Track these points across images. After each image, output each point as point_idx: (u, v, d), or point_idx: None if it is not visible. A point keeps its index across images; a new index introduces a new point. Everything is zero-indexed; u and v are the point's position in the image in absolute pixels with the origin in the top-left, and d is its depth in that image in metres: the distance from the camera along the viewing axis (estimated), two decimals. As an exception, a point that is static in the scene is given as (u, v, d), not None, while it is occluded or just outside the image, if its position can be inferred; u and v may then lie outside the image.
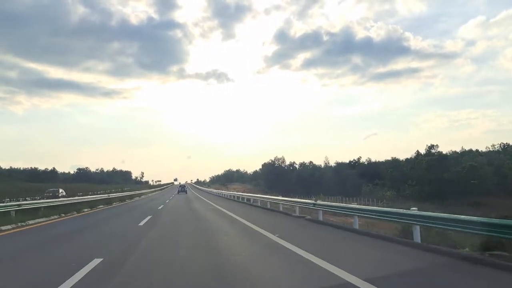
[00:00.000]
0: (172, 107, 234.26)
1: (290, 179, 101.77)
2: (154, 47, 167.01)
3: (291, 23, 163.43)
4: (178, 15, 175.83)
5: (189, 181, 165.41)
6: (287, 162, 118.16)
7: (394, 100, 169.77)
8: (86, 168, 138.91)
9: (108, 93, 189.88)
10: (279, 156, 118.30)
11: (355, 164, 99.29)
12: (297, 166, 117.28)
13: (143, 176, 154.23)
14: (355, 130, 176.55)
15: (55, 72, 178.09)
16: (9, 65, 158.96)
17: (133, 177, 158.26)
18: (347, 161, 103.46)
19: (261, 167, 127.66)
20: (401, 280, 4.96)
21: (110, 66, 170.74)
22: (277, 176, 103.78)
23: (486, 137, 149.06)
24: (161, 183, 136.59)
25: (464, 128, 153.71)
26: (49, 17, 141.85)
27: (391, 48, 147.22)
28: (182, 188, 62.45)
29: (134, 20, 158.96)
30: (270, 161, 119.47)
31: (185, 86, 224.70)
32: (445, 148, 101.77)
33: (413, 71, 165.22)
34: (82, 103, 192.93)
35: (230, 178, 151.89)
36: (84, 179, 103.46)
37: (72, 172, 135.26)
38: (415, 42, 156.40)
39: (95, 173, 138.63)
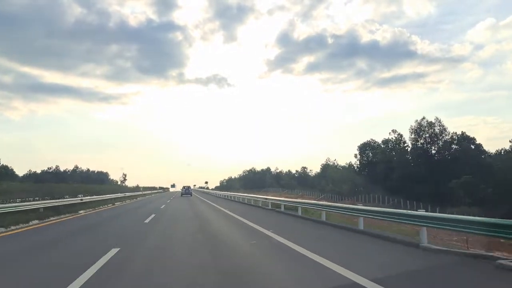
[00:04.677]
0: (171, 112, 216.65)
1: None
2: (153, 50, 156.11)
3: (295, 24, 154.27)
4: (178, 16, 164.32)
5: (192, 187, 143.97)
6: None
7: (398, 105, 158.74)
8: None
9: (106, 98, 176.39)
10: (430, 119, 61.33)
11: None
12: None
13: (125, 179, 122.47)
14: (359, 136, 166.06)
15: (51, 77, 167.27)
16: (4, 69, 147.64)
17: (115, 180, 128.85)
18: None
19: (357, 153, 79.23)
20: None
21: (108, 70, 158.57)
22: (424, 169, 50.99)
23: (487, 144, 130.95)
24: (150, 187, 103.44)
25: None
26: (44, 19, 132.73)
27: (397, 52, 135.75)
28: (186, 191, 56.59)
29: (132, 21, 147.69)
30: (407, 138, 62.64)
31: (185, 91, 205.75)
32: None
33: (419, 76, 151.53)
34: (79, 108, 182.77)
35: (256, 181, 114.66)
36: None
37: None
38: (422, 45, 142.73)
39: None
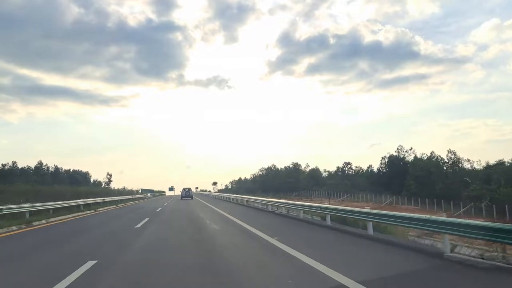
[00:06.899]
0: (171, 114, 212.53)
1: None
2: (153, 51, 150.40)
3: (296, 24, 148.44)
4: (177, 16, 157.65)
5: (194, 190, 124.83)
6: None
7: (400, 107, 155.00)
8: None
9: (105, 101, 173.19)
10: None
11: None
12: None
13: (110, 180, 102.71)
14: (359, 138, 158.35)
15: (50, 79, 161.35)
16: (2, 71, 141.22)
17: (98, 181, 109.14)
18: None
19: None
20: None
21: (107, 72, 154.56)
22: None
23: (486, 147, 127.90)
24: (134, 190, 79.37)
25: (466, 138, 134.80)
26: (42, 19, 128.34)
27: (400, 53, 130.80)
28: (186, 193, 54.59)
29: (131, 21, 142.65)
30: None
31: (185, 93, 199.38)
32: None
33: (421, 77, 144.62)
34: (78, 111, 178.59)
35: (281, 183, 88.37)
36: None
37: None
38: (425, 46, 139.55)
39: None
